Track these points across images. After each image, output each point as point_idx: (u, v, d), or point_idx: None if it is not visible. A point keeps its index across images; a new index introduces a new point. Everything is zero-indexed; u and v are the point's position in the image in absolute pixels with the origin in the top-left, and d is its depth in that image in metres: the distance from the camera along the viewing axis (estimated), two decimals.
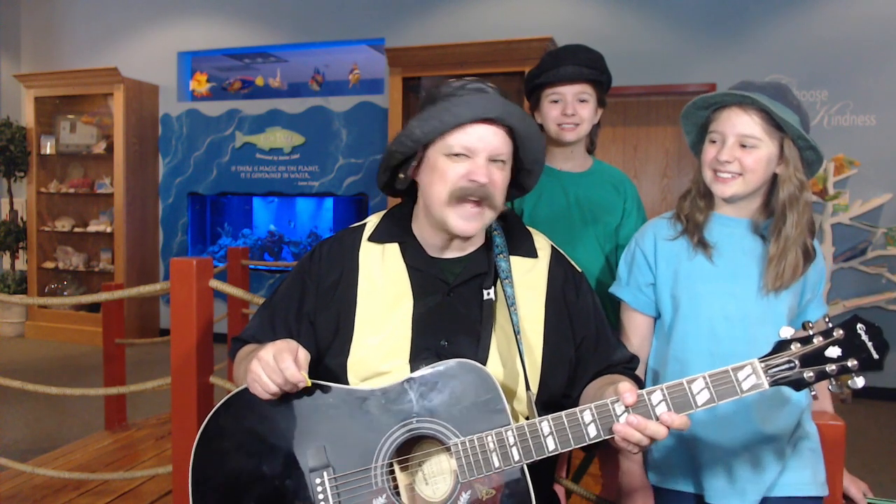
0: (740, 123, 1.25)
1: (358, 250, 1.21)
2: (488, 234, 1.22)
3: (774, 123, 1.24)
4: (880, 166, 4.29)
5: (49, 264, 5.98)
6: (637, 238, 1.43)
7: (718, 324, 1.29)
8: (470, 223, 1.11)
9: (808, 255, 1.28)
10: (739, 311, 1.29)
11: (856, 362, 0.94)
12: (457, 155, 1.11)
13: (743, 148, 1.26)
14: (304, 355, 1.04)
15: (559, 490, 1.71)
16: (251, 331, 1.26)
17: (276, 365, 1.00)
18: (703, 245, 1.32)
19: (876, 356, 0.94)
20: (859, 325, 0.95)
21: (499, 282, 1.17)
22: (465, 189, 1.09)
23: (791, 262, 1.26)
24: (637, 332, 1.42)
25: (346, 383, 1.12)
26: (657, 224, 1.42)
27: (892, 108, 4.28)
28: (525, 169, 1.19)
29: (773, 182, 1.30)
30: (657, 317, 1.42)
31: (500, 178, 1.12)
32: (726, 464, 1.28)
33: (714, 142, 1.30)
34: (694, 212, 1.35)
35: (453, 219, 1.11)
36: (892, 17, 4.27)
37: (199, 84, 6.02)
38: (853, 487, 1.39)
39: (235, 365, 1.23)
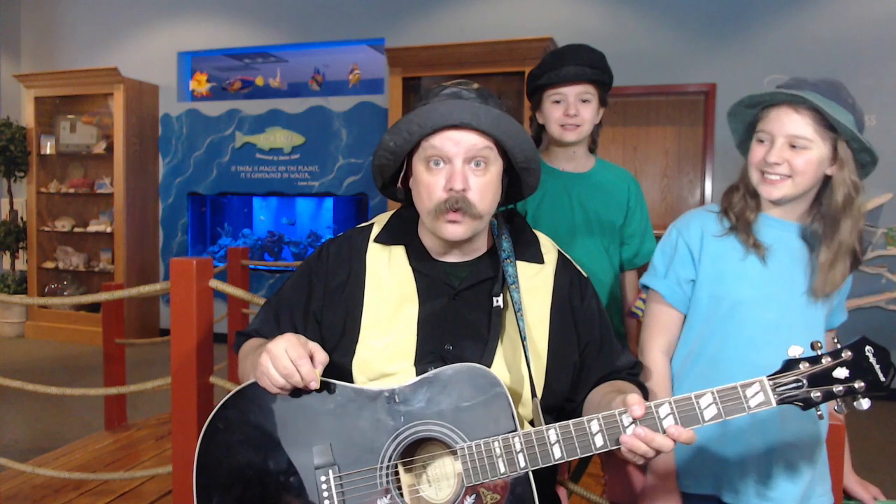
0: (790, 123, 1.19)
1: (365, 251, 1.21)
2: (494, 238, 1.21)
3: (827, 124, 1.18)
4: (880, 166, 4.17)
5: (49, 264, 5.98)
6: (680, 229, 1.35)
7: (760, 331, 1.25)
8: (456, 227, 1.10)
9: (856, 262, 1.23)
10: (782, 318, 1.24)
11: (863, 384, 0.94)
12: (435, 164, 1.10)
13: (793, 149, 1.19)
14: (322, 356, 1.03)
15: (561, 492, 1.71)
16: (255, 325, 1.26)
17: (286, 359, 0.99)
18: (756, 246, 1.25)
19: (883, 378, 0.94)
20: (867, 347, 0.95)
21: (505, 287, 1.16)
22: (447, 202, 1.09)
23: (840, 269, 1.20)
24: (665, 328, 1.35)
25: (351, 381, 1.12)
26: (704, 217, 1.34)
27: (892, 108, 4.28)
28: (521, 168, 1.17)
29: (822, 185, 1.24)
30: (685, 314, 1.36)
31: (480, 183, 1.10)
32: (757, 471, 1.26)
33: (762, 142, 1.24)
34: (744, 210, 1.28)
35: (441, 227, 1.11)
36: (892, 17, 4.27)
37: (199, 84, 6.02)
38: (861, 489, 1.37)
39: (241, 359, 1.23)
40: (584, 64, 1.65)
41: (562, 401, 1.18)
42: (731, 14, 4.56)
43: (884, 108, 4.29)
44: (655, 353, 1.35)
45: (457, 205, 1.08)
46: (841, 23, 4.36)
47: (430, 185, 1.11)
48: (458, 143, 1.09)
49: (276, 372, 1.00)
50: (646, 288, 1.40)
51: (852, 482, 1.39)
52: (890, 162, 4.27)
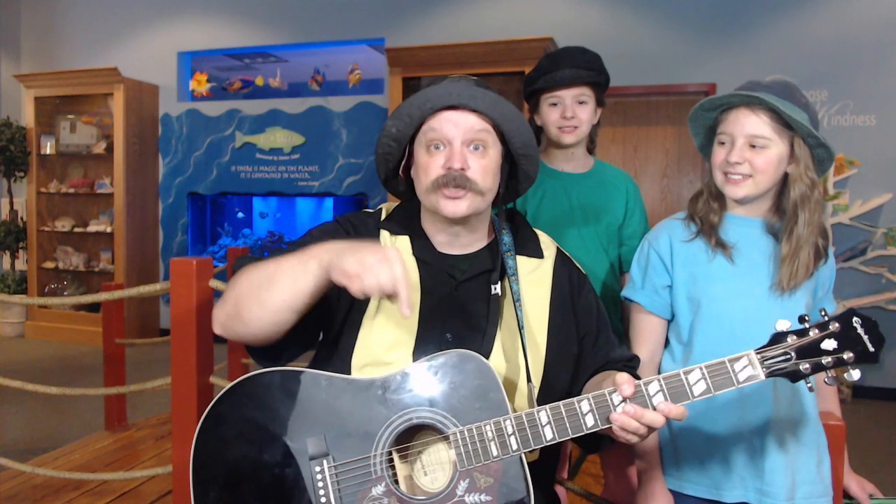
0: (749, 124, 1.24)
1: (378, 233, 1.22)
2: (496, 232, 1.23)
3: (784, 122, 1.23)
4: (880, 166, 4.29)
5: (49, 264, 5.98)
6: (650, 240, 1.41)
7: (739, 326, 1.28)
8: (458, 203, 1.11)
9: (819, 255, 1.28)
10: (759, 313, 1.27)
11: (851, 355, 0.95)
12: (436, 147, 1.12)
13: (753, 148, 1.25)
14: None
15: (560, 491, 1.71)
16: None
17: (392, 273, 0.93)
18: (721, 246, 1.30)
19: (871, 349, 0.96)
20: (855, 319, 0.97)
21: (505, 278, 1.17)
22: (445, 177, 1.10)
23: (803, 261, 1.25)
24: (652, 336, 1.39)
25: (349, 367, 1.12)
26: (671, 226, 1.40)
27: (892, 108, 4.28)
28: (520, 154, 1.18)
29: (785, 182, 1.29)
30: (670, 320, 1.40)
31: (480, 164, 1.11)
32: (747, 469, 1.27)
33: (723, 143, 1.29)
34: (708, 213, 1.34)
35: (441, 202, 1.12)
36: (892, 17, 4.27)
37: (199, 84, 6.02)
38: (856, 487, 1.39)
39: (252, 271, 1.07)
40: (580, 66, 1.65)
41: (562, 395, 1.18)
42: (731, 14, 4.56)
43: (884, 108, 4.29)
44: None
45: (455, 183, 1.10)
46: (841, 23, 4.36)
47: (427, 165, 1.12)
48: (457, 125, 1.11)
49: (380, 281, 0.93)
50: (627, 300, 1.44)
51: (849, 480, 1.40)
52: (890, 162, 4.28)
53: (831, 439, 1.33)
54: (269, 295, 1.02)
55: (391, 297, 0.96)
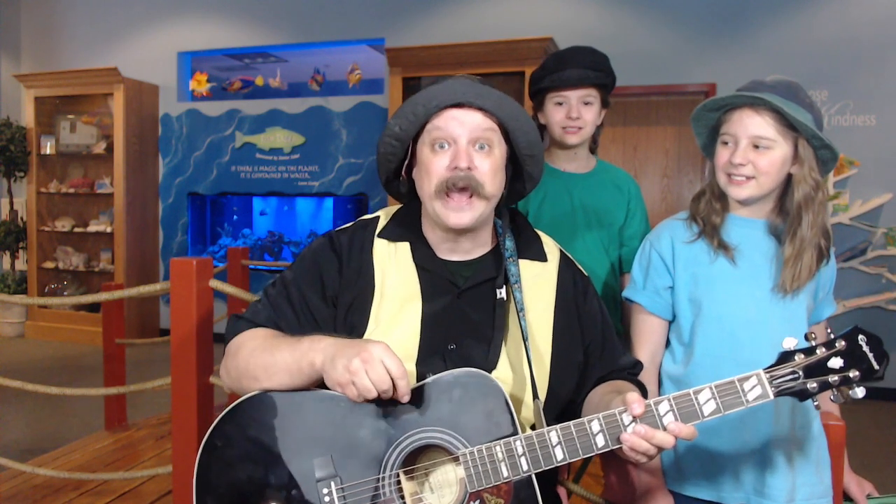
0: (753, 125, 1.23)
1: (372, 246, 1.19)
2: (498, 237, 1.21)
3: (788, 123, 1.22)
4: (880, 166, 4.29)
5: (49, 264, 5.98)
6: (652, 241, 1.40)
7: (740, 328, 1.27)
8: (461, 214, 1.08)
9: (822, 256, 1.27)
10: (760, 314, 1.27)
11: (857, 373, 0.96)
12: (440, 147, 1.09)
13: (756, 149, 1.24)
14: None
15: (561, 492, 1.71)
16: (263, 315, 1.17)
17: (383, 369, 0.95)
18: (724, 247, 1.30)
19: (876, 367, 0.96)
20: (860, 337, 0.97)
21: (508, 286, 1.15)
22: (451, 179, 1.07)
23: (806, 262, 1.24)
24: (652, 337, 1.39)
25: None
26: (673, 226, 1.39)
27: (892, 108, 4.28)
28: (525, 155, 1.15)
29: (788, 182, 1.28)
30: (672, 320, 1.39)
31: (486, 165, 1.08)
32: (748, 470, 1.27)
33: (726, 144, 1.28)
34: (710, 214, 1.33)
35: (444, 212, 1.09)
36: (892, 17, 4.27)
37: (199, 84, 6.02)
38: (855, 487, 1.39)
39: (248, 347, 1.11)
40: (587, 67, 1.64)
41: (566, 402, 1.17)
42: (731, 14, 4.56)
43: (884, 108, 4.29)
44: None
45: (462, 183, 1.07)
46: (841, 23, 4.36)
47: (432, 165, 1.09)
48: (462, 124, 1.08)
49: (371, 382, 0.95)
50: (628, 300, 1.43)
51: (849, 481, 1.40)
52: (890, 162, 4.28)
53: (831, 440, 1.33)
54: (268, 383, 1.07)
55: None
